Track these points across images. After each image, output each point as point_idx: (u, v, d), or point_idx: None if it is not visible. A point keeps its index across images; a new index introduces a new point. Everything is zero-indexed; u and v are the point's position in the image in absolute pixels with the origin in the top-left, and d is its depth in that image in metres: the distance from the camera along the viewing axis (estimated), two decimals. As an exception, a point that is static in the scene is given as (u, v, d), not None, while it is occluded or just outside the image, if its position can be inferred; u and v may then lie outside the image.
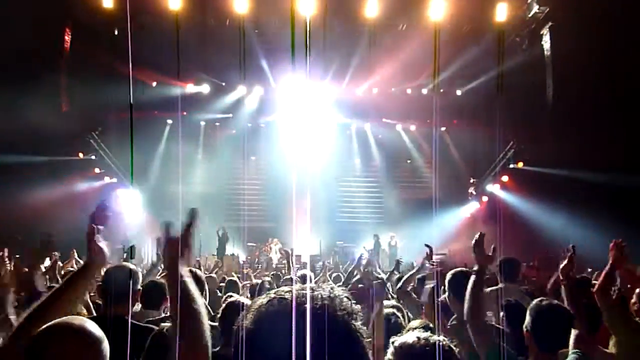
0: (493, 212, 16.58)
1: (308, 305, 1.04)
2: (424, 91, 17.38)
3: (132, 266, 2.96)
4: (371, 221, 18.67)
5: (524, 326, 2.54)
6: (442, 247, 15.40)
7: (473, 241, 2.62)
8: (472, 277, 2.50)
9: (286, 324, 1.00)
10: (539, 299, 2.65)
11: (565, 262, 2.98)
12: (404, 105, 17.48)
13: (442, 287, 3.89)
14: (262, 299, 1.11)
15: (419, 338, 1.59)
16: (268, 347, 1.02)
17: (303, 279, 4.82)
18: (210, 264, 12.75)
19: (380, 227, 18.30)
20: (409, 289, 4.84)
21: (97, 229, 2.10)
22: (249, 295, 5.00)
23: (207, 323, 1.48)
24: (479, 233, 2.63)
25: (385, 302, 3.80)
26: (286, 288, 1.10)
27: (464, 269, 3.61)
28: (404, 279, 4.86)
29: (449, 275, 3.38)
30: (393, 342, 1.63)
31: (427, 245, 4.63)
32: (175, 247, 1.55)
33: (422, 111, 17.30)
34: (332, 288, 1.10)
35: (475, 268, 2.53)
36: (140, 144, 16.80)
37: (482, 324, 2.43)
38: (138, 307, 3.40)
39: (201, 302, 1.50)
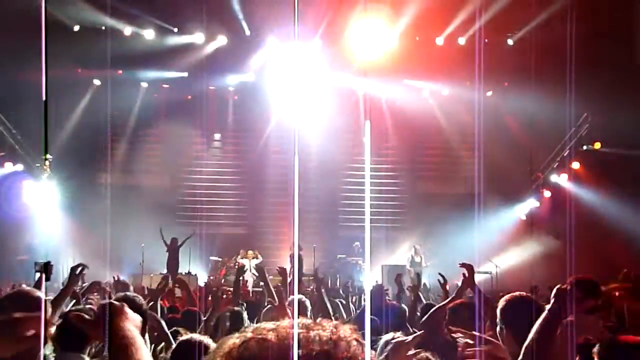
0: (559, 213, 16.62)
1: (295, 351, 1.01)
2: (462, 40, 17.33)
3: (38, 293, 2.90)
4: (385, 225, 18.68)
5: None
6: (486, 263, 15.46)
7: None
8: (545, 312, 2.51)
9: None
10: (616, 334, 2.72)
11: None
12: (434, 60, 17.45)
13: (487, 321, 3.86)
14: (234, 339, 1.08)
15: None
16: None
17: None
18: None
19: (399, 234, 18.34)
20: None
21: None
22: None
23: None
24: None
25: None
26: (269, 325, 1.08)
27: (523, 293, 3.62)
28: (432, 310, 4.88)
29: (502, 302, 3.39)
30: None
31: (464, 265, 4.59)
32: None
33: (459, 69, 17.28)
34: (335, 326, 1.09)
35: (552, 302, 2.54)
36: (57, 115, 16.69)
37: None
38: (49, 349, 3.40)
39: None
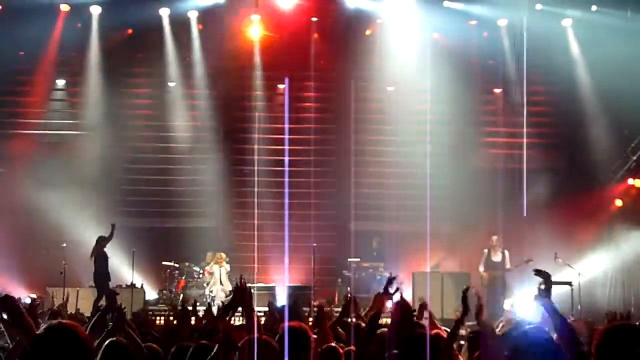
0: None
1: None
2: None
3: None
4: (419, 214, 18.36)
5: None
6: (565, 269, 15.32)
7: None
8: None
9: None
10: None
11: None
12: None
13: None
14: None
15: None
16: None
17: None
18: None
19: (440, 225, 18.03)
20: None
21: None
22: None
23: None
24: None
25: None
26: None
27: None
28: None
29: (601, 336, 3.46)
30: None
31: (540, 274, 4.59)
32: None
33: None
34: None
35: None
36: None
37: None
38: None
39: None
